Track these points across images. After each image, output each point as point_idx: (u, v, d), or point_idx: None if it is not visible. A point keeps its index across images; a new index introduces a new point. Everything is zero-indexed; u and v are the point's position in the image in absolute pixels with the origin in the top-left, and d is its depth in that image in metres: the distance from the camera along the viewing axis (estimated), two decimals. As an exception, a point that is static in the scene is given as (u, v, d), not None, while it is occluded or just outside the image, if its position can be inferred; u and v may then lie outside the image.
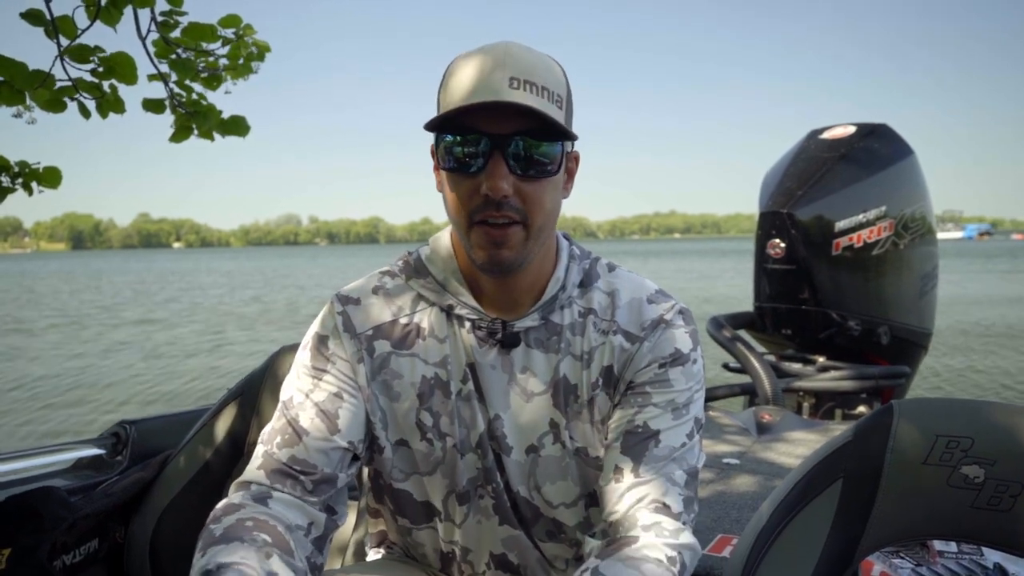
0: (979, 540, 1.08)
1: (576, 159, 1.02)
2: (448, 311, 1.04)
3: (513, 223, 0.92)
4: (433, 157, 1.02)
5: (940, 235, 4.53)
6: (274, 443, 0.98)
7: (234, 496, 0.95)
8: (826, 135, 4.24)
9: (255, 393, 1.62)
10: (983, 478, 1.03)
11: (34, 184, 2.16)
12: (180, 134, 2.03)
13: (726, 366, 4.17)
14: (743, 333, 4.12)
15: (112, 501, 1.48)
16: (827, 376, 3.79)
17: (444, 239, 1.08)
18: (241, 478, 0.98)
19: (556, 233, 1.06)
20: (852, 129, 4.21)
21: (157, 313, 19.71)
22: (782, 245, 3.87)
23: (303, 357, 1.05)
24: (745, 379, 3.82)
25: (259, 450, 0.99)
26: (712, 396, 3.81)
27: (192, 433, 1.66)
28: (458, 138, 0.92)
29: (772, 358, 4.10)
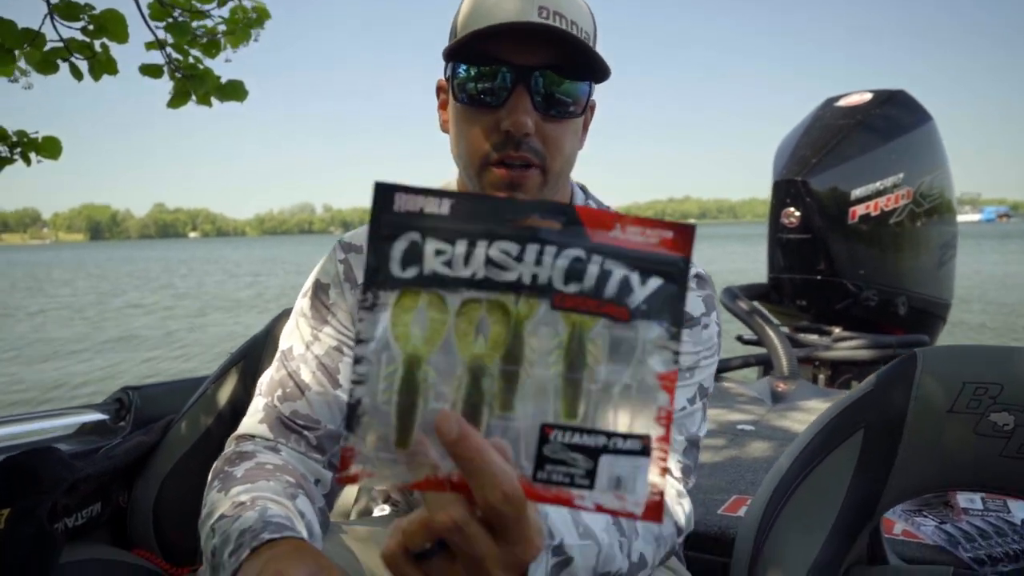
0: (1008, 490, 1.04)
1: (592, 109, 0.96)
2: None
3: (531, 166, 0.86)
4: (440, 93, 0.96)
5: (957, 217, 4.43)
6: (275, 396, 0.94)
7: (244, 445, 0.91)
8: (842, 102, 4.14)
9: (257, 358, 1.59)
10: (1013, 425, 0.98)
11: (32, 154, 2.14)
12: (178, 100, 1.99)
13: (740, 338, 4.11)
14: (758, 304, 4.05)
15: (114, 464, 1.46)
16: (844, 345, 3.72)
17: (451, 187, 1.03)
18: (242, 430, 0.94)
19: (571, 184, 1.01)
20: (869, 96, 4.11)
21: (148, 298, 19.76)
22: (797, 214, 3.79)
23: (302, 305, 1.00)
24: (759, 351, 3.76)
25: (259, 402, 0.95)
26: (726, 367, 3.74)
27: (194, 399, 1.63)
28: (477, 69, 0.84)
29: (786, 330, 4.03)
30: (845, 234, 3.80)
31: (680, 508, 0.92)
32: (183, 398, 1.68)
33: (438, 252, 0.42)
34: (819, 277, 3.88)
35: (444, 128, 0.96)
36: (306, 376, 0.94)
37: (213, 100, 2.05)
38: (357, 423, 0.42)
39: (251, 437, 0.93)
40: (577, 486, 0.43)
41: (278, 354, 0.98)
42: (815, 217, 3.77)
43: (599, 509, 0.43)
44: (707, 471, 1.76)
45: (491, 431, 0.43)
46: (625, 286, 0.43)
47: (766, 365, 3.70)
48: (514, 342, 0.43)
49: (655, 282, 0.43)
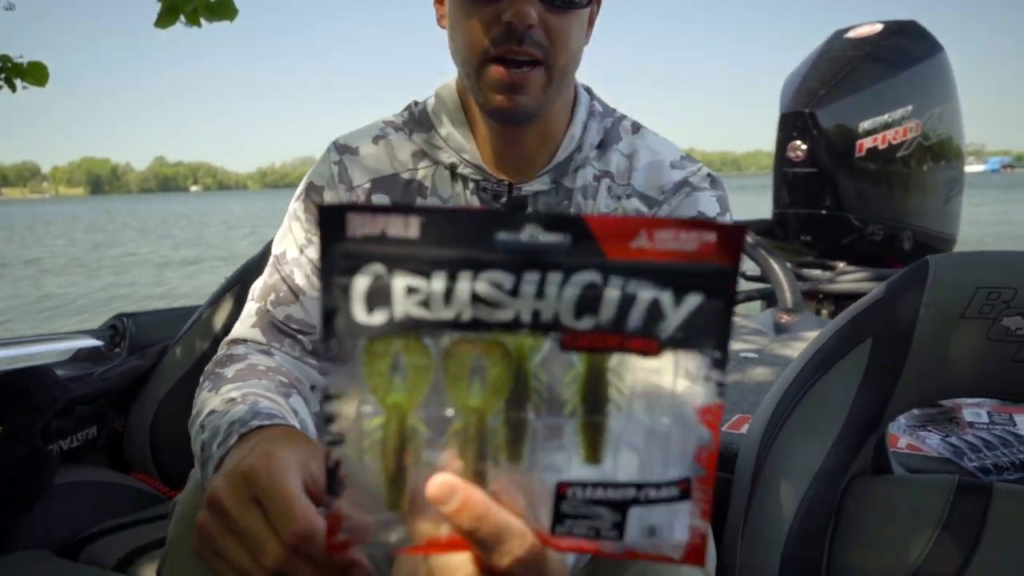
0: (1020, 395, 1.01)
1: (599, 1, 0.90)
2: (452, 170, 0.95)
3: (534, 64, 0.81)
4: None
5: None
6: (268, 300, 0.91)
7: (235, 349, 0.88)
8: (852, 34, 4.03)
9: (251, 283, 1.56)
10: (1027, 329, 0.95)
11: (18, 81, 2.07)
12: (165, 19, 1.92)
13: (742, 274, 4.08)
14: (762, 239, 4.01)
15: (108, 386, 1.45)
16: (848, 279, 3.69)
17: (450, 87, 0.96)
18: (233, 335, 0.91)
19: (576, 84, 0.95)
20: (879, 27, 4.00)
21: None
22: (803, 147, 3.72)
23: (296, 208, 0.96)
24: (762, 286, 3.73)
25: (251, 307, 0.92)
26: None
27: (189, 324, 1.62)
28: None
29: (790, 266, 4.01)
30: (852, 167, 3.74)
31: None
32: (178, 325, 1.67)
33: (410, 290, 0.34)
34: (824, 212, 3.83)
35: (442, 23, 0.91)
36: (300, 280, 0.91)
37: (202, 21, 1.98)
38: (340, 486, 0.36)
39: (243, 341, 0.90)
40: (604, 538, 0.37)
41: (271, 259, 0.95)
42: (822, 150, 3.69)
43: (630, 555, 0.38)
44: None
45: (498, 484, 0.37)
46: (654, 312, 0.35)
47: (769, 300, 3.69)
48: (518, 384, 0.36)
49: (694, 300, 0.35)
